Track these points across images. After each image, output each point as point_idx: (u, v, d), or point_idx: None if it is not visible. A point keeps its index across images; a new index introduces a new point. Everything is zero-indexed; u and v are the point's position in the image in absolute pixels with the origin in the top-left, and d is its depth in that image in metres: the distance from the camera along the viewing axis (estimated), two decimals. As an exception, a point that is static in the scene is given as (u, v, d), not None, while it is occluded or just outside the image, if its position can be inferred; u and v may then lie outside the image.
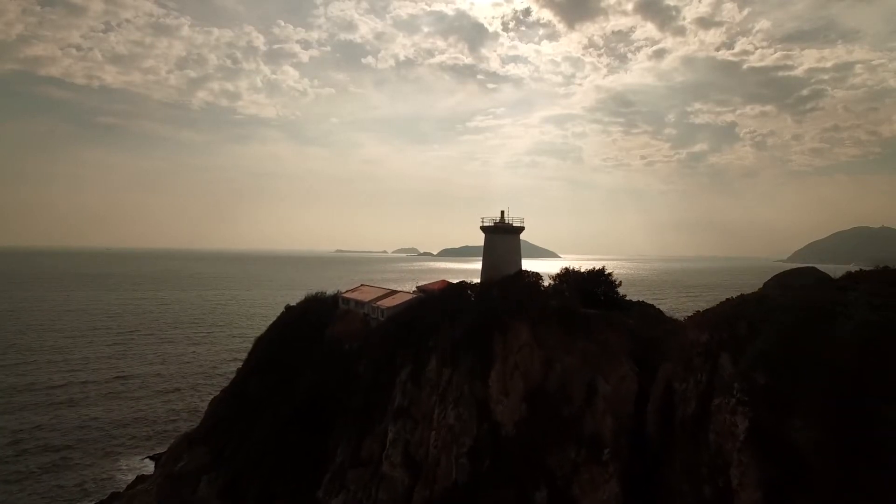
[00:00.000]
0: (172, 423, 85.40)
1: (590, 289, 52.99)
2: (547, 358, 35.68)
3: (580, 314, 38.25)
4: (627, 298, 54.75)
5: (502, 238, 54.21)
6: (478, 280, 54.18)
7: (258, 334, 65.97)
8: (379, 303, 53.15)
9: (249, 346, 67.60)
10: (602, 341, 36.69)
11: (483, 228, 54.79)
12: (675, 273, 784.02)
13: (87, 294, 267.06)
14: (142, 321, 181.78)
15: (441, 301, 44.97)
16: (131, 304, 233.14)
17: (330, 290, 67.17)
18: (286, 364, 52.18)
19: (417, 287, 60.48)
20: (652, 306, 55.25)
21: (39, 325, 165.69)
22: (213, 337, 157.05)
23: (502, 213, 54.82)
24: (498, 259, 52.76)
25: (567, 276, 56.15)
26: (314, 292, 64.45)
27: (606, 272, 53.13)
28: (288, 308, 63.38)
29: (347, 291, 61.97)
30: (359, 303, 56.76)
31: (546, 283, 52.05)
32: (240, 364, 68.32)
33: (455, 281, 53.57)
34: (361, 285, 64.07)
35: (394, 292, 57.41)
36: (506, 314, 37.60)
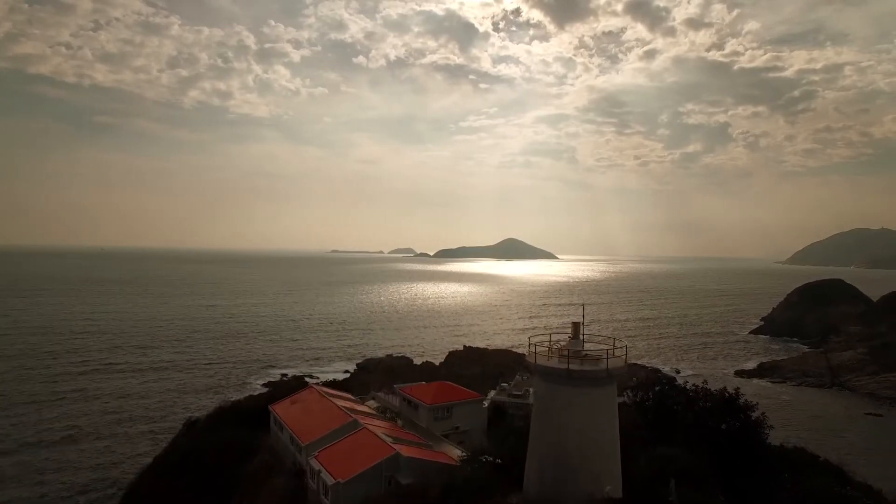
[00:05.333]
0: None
1: (711, 423, 29.99)
2: None
3: None
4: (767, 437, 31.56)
5: (579, 396, 23.46)
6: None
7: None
8: (322, 459, 29.50)
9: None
10: None
11: (534, 371, 25.60)
12: (680, 276, 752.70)
13: (60, 307, 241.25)
14: (104, 346, 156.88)
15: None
16: (105, 318, 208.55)
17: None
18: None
19: (398, 388, 37.11)
20: (821, 464, 32.50)
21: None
22: (178, 374, 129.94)
23: (576, 326, 25.32)
24: (571, 445, 23.08)
25: (668, 399, 32.70)
26: (232, 400, 41.16)
27: (738, 397, 30.01)
28: (188, 426, 40.15)
29: (284, 402, 38.54)
30: (294, 440, 33.40)
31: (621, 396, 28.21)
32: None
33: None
34: (310, 387, 40.55)
35: (355, 425, 33.26)
36: None
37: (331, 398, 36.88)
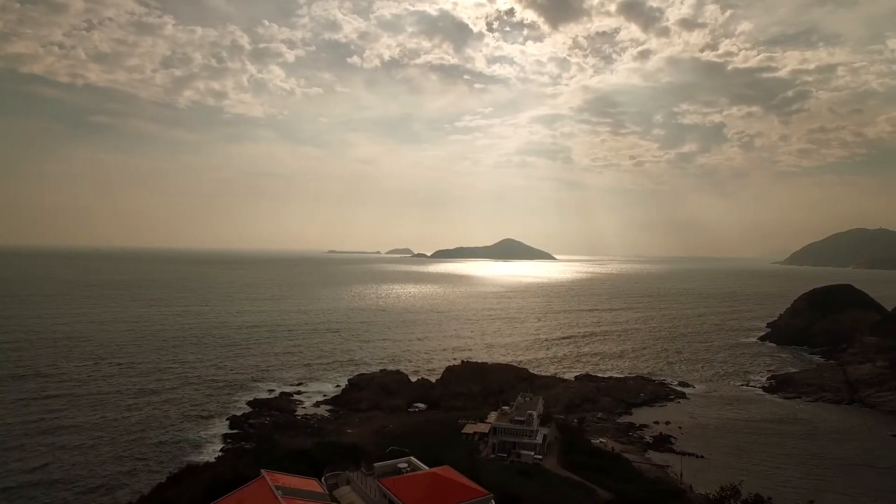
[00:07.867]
0: None
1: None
2: None
3: None
4: None
5: None
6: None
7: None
8: None
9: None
10: None
11: None
12: (681, 278, 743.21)
13: (47, 316, 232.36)
14: (87, 360, 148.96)
15: None
16: (93, 328, 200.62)
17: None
18: None
19: (379, 481, 28.67)
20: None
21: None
22: (159, 397, 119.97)
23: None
24: None
25: None
26: (170, 473, 32.50)
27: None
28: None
29: (228, 500, 29.89)
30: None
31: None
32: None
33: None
34: (261, 479, 31.54)
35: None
36: None
37: (287, 499, 27.86)
